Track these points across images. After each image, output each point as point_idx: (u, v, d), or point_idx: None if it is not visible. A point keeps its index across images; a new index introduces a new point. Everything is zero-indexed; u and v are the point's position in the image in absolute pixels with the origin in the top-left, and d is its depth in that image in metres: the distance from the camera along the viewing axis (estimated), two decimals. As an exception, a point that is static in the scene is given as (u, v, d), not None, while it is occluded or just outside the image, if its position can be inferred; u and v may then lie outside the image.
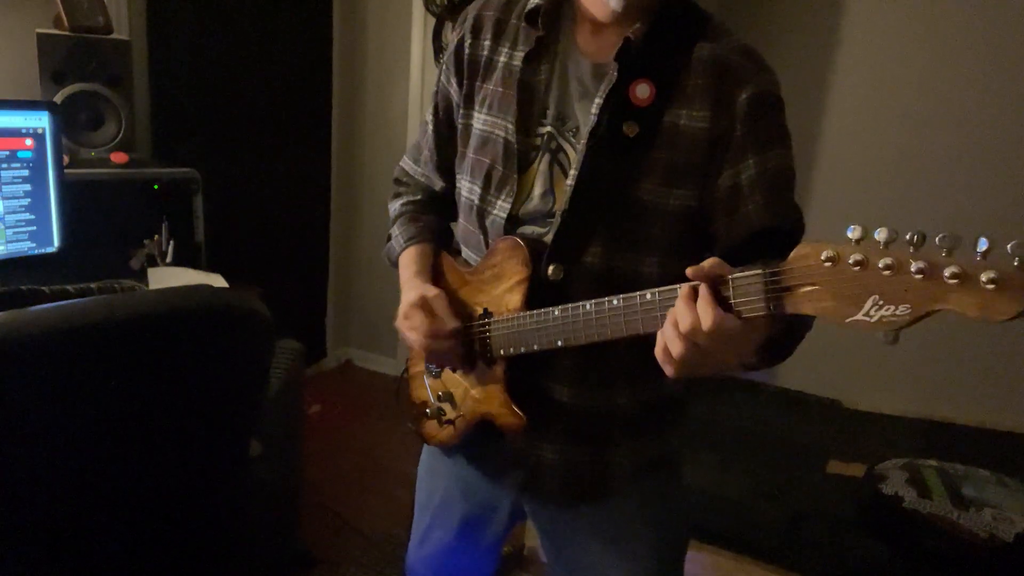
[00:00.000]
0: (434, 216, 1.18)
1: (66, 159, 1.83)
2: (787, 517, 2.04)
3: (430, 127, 1.14)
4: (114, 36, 2.12)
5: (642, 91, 0.91)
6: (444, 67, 1.10)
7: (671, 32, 0.93)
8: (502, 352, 0.98)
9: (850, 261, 0.64)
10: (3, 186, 1.61)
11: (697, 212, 0.93)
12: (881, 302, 0.63)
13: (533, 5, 0.98)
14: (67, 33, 2.01)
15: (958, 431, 2.71)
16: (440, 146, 1.13)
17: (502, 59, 1.01)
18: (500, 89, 1.00)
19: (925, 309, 0.61)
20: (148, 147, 2.56)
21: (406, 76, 3.36)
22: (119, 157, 2.06)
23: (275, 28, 3.04)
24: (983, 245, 0.59)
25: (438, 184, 1.16)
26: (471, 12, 1.06)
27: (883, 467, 2.16)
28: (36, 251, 1.70)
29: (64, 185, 1.71)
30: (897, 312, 0.62)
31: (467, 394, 1.06)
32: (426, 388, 1.15)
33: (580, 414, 1.00)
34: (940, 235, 0.61)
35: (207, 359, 0.99)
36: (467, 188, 1.05)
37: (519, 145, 0.98)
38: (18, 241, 1.67)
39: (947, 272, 0.59)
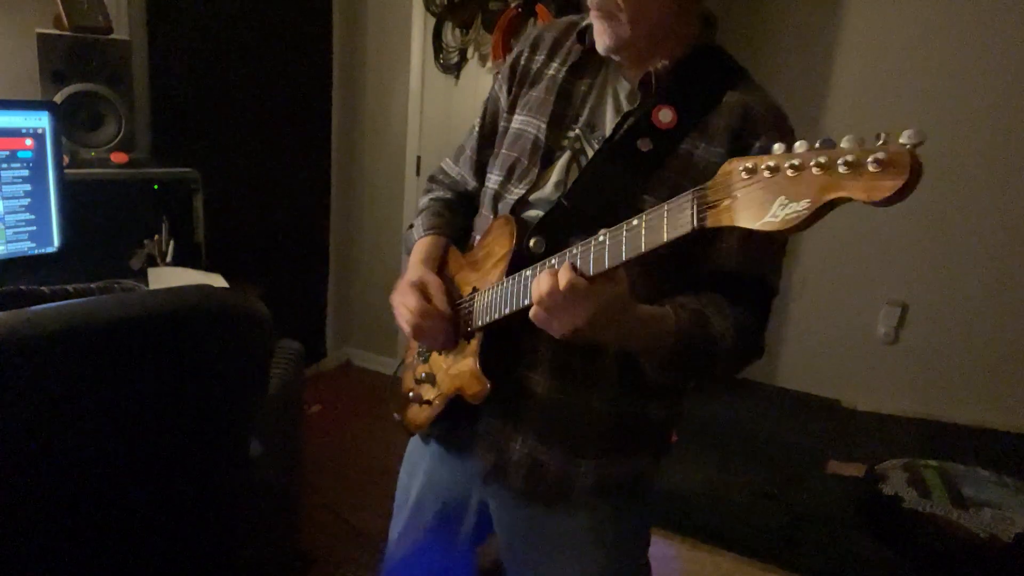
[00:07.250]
0: (459, 215, 1.24)
1: (66, 159, 1.83)
2: (787, 517, 2.04)
3: (476, 129, 1.22)
4: (114, 36, 2.12)
5: (664, 116, 0.97)
6: (499, 75, 1.18)
7: (701, 74, 0.99)
8: (479, 323, 1.02)
9: (763, 168, 0.67)
10: (3, 186, 1.61)
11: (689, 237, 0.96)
12: (786, 201, 0.65)
13: (585, 24, 1.05)
14: (67, 33, 2.00)
15: (958, 431, 2.71)
16: (482, 147, 1.21)
17: (550, 72, 1.09)
18: (541, 95, 1.08)
19: (821, 200, 0.63)
20: (148, 147, 2.56)
21: (406, 76, 3.36)
22: (119, 157, 2.06)
23: (275, 28, 3.05)
24: (883, 138, 0.60)
25: (471, 183, 1.23)
26: (535, 30, 1.14)
27: (883, 467, 2.16)
28: (36, 251, 1.70)
29: (64, 185, 1.71)
30: (799, 208, 0.64)
31: (446, 372, 1.09)
32: (412, 374, 1.18)
33: (553, 411, 1.02)
34: (847, 136, 0.62)
35: (207, 359, 0.99)
36: (492, 180, 1.11)
37: (547, 142, 1.04)
38: (18, 241, 1.67)
39: (840, 162, 0.61)
